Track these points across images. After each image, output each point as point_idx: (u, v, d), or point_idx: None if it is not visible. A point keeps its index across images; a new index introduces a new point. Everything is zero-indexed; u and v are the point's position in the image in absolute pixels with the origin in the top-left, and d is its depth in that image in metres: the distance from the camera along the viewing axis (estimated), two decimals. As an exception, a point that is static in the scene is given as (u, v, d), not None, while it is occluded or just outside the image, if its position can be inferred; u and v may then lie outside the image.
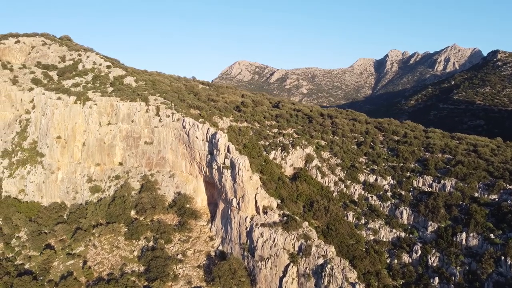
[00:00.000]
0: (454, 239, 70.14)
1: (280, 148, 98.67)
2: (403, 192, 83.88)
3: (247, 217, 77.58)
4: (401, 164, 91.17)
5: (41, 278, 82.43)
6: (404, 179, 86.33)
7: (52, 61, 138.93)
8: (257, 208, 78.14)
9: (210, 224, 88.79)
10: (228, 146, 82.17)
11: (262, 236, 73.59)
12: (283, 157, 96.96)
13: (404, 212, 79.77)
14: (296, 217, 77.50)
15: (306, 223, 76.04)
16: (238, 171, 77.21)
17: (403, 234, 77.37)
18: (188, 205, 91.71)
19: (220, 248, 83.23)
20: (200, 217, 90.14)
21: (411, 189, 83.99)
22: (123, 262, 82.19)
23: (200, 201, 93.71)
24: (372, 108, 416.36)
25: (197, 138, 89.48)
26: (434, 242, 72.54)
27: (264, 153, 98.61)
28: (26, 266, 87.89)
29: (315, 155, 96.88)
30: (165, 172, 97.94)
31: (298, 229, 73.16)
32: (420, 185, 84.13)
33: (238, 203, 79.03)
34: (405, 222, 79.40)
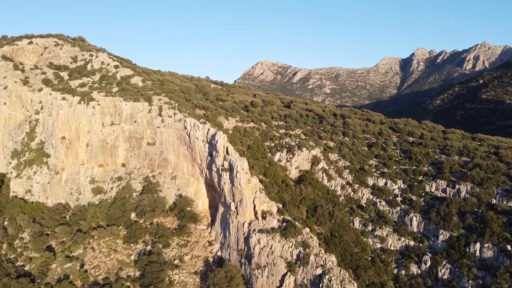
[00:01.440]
0: (467, 250, 64.32)
1: (285, 149, 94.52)
2: (414, 197, 78.26)
3: (245, 222, 73.84)
4: (413, 167, 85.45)
5: (38, 280, 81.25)
6: (415, 183, 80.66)
7: (64, 61, 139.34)
8: (255, 213, 74.23)
9: (210, 229, 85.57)
10: (227, 147, 78.68)
11: (259, 243, 69.66)
12: (288, 159, 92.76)
13: (414, 219, 74.20)
14: (297, 223, 73.16)
15: (307, 230, 71.60)
16: (236, 173, 73.58)
17: (412, 243, 71.92)
18: (188, 208, 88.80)
19: (219, 253, 79.80)
20: (200, 220, 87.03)
21: (423, 194, 78.30)
22: (120, 266, 79.97)
23: (201, 204, 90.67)
24: (397, 108, 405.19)
25: (197, 139, 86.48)
26: (445, 252, 66.84)
27: (269, 154, 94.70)
28: (26, 268, 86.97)
29: (322, 157, 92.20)
30: (167, 173, 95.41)
31: (297, 236, 68.81)
32: (432, 190, 78.32)
33: (236, 207, 75.41)
34: (415, 230, 73.85)
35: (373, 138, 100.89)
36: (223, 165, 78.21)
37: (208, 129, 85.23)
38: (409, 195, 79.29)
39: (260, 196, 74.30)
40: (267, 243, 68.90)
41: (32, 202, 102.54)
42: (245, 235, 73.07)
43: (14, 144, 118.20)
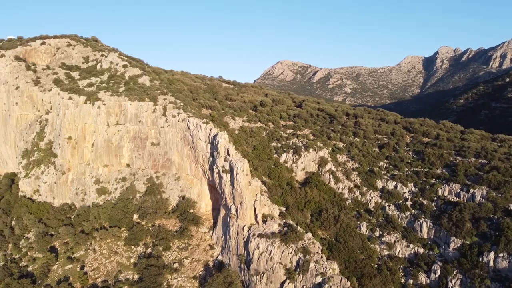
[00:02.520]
0: (480, 259, 59.72)
1: (292, 150, 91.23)
2: (425, 202, 73.77)
3: (244, 225, 71.10)
4: (426, 170, 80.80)
5: (39, 282, 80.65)
6: (427, 187, 76.10)
7: (76, 61, 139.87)
8: (256, 216, 71.41)
9: (211, 232, 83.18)
10: (228, 148, 76.07)
11: (258, 248, 66.79)
12: (294, 160, 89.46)
13: (424, 224, 69.77)
14: (299, 227, 69.94)
15: (309, 235, 68.26)
16: (236, 175, 70.94)
17: (421, 250, 67.58)
18: (191, 210, 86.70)
19: (220, 258, 77.28)
20: (202, 223, 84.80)
21: (435, 198, 73.71)
22: (119, 269, 78.50)
23: (204, 206, 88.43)
24: (419, 108, 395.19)
25: (200, 139, 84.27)
26: (456, 261, 62.34)
27: (275, 155, 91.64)
28: (29, 269, 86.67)
29: (329, 159, 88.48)
30: (171, 174, 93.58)
31: (298, 242, 65.58)
32: (445, 194, 73.65)
33: (236, 210, 72.76)
34: (425, 236, 69.42)
35: (385, 139, 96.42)
36: (223, 166, 75.71)
37: (211, 129, 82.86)
38: (420, 199, 74.83)
39: (261, 199, 71.40)
40: (266, 248, 65.98)
41: (39, 202, 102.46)
42: (245, 240, 70.34)
43: (25, 144, 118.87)
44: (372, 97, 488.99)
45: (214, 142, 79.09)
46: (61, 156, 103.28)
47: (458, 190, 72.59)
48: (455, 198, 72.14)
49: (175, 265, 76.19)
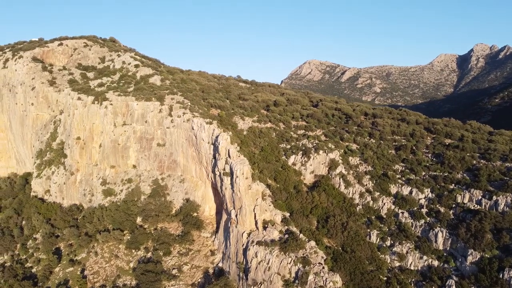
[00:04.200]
0: (501, 275, 53.28)
1: (301, 152, 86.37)
2: (442, 209, 67.39)
3: (244, 232, 67.07)
4: (445, 174, 74.27)
5: (40, 284, 79.55)
6: (445, 193, 69.62)
7: (92, 62, 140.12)
8: (256, 222, 67.24)
9: (213, 237, 79.60)
10: (229, 149, 72.28)
11: (257, 256, 62.62)
12: (303, 163, 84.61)
13: (440, 234, 63.55)
14: (302, 235, 65.26)
15: (312, 243, 63.44)
16: (235, 178, 67.09)
17: (435, 263, 61.45)
18: (194, 214, 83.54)
19: (220, 265, 73.57)
20: (204, 228, 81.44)
21: (453, 205, 67.23)
22: (118, 274, 76.22)
23: (208, 209, 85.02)
24: (452, 108, 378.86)
25: (203, 140, 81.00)
26: (473, 276, 56.05)
27: (283, 157, 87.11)
28: (34, 270, 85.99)
29: (340, 161, 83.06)
30: (176, 176, 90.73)
31: (298, 251, 60.96)
32: (465, 201, 67.05)
33: (236, 215, 68.89)
34: (440, 247, 63.20)
35: (403, 140, 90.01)
36: (224, 169, 72.08)
37: (213, 129, 79.39)
38: (437, 206, 68.48)
39: (261, 204, 67.17)
40: (265, 257, 61.72)
41: (48, 202, 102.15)
42: (244, 247, 66.31)
43: (40, 144, 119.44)
44: (402, 97, 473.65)
45: (216, 143, 75.56)
46: (70, 157, 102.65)
47: (480, 197, 65.87)
48: (475, 205, 65.46)
49: (174, 271, 73.10)
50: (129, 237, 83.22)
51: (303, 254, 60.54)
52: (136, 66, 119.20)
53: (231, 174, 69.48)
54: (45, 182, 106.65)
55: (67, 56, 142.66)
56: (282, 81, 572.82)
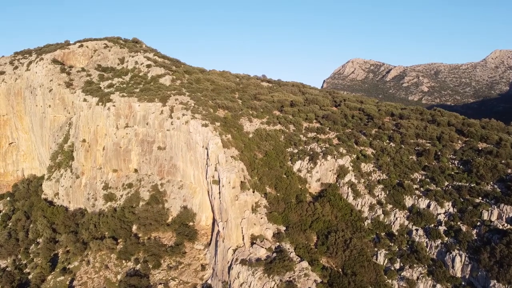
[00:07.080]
0: (529, 318, 42.34)
1: (308, 157, 77.74)
2: (463, 228, 56.54)
3: (230, 247, 59.90)
4: (471, 185, 62.97)
5: (30, 292, 76.74)
6: (469, 208, 58.56)
7: (112, 63, 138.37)
8: (243, 237, 59.79)
9: (206, 249, 72.95)
10: (218, 155, 65.32)
11: (239, 277, 55.20)
12: (309, 169, 75.89)
13: (458, 258, 52.96)
14: (294, 253, 57.08)
15: (304, 264, 55.07)
16: (221, 187, 60.08)
17: (451, 295, 51.00)
18: (190, 223, 77.51)
19: (209, 282, 66.73)
20: (198, 239, 75.01)
21: (477, 223, 56.21)
22: (104, 286, 71.55)
23: (205, 219, 78.52)
24: (508, 107, 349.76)
25: (197, 143, 74.74)
26: (495, 316, 45.33)
27: (289, 162, 78.88)
28: (30, 276, 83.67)
29: (350, 168, 73.57)
30: (176, 182, 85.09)
31: (284, 273, 52.84)
32: (492, 218, 55.86)
33: (223, 229, 61.83)
34: (458, 275, 52.61)
35: (427, 144, 78.81)
36: (213, 176, 65.29)
37: (208, 132, 72.80)
38: (458, 223, 57.60)
39: (249, 217, 59.68)
40: (247, 278, 54.14)
41: (54, 206, 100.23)
42: (229, 264, 59.10)
43: (55, 146, 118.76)
44: (452, 96, 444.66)
45: (208, 147, 68.94)
46: (76, 160, 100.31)
47: (511, 215, 54.44)
48: (505, 225, 54.15)
49: (160, 287, 67.21)
50: (121, 246, 78.56)
51: (289, 277, 52.37)
52: (148, 66, 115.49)
53: (219, 182, 62.56)
54: (54, 184, 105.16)
55: (87, 58, 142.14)
56: (324, 81, 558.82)
